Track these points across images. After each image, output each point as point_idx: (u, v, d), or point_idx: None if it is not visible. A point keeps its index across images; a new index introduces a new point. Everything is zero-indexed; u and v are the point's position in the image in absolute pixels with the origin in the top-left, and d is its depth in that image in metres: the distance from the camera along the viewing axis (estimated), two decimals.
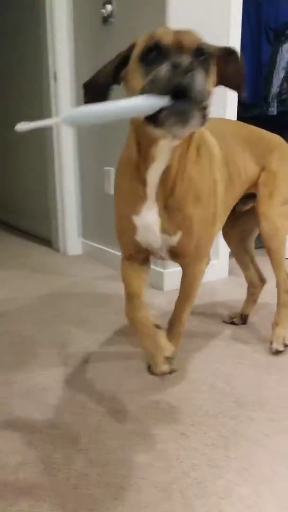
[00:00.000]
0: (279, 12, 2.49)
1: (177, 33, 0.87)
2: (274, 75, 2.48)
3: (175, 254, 1.17)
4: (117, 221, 1.19)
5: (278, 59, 2.48)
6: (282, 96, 2.52)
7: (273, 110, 2.52)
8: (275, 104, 2.52)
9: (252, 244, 1.68)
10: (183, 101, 0.80)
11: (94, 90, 0.96)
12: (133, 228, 1.12)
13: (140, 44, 0.91)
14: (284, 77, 2.50)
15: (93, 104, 0.83)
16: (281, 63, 2.49)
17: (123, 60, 0.94)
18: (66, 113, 0.83)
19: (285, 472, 0.94)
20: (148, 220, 1.09)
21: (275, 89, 2.50)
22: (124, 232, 1.17)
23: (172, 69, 0.78)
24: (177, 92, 0.79)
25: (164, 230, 1.10)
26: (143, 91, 0.83)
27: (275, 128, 2.34)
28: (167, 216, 1.08)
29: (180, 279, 1.27)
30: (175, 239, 1.11)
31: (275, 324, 1.48)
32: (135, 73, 0.89)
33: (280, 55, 2.48)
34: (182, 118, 0.82)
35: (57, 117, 0.84)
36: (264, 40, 2.50)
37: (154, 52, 0.85)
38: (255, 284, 1.67)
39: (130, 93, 0.92)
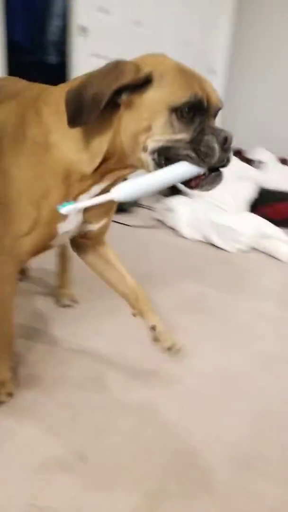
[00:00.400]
0: None
1: (215, 92, 0.88)
2: (50, 23, 2.46)
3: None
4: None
5: (53, 7, 2.45)
6: (60, 45, 2.53)
7: (52, 58, 2.52)
8: (54, 53, 2.52)
9: None
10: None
11: (81, 108, 0.81)
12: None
13: (167, 87, 0.84)
14: (60, 26, 2.50)
15: (141, 177, 0.82)
16: (54, 10, 2.47)
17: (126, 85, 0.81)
18: (118, 189, 0.81)
19: None
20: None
21: (51, 36, 2.49)
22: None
23: (221, 146, 0.81)
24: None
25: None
26: (184, 156, 0.82)
27: (54, 77, 2.35)
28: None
29: None
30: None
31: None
32: (161, 119, 0.82)
33: (55, 2, 2.46)
34: (216, 182, 0.87)
35: (109, 194, 0.81)
36: None
37: (193, 111, 0.83)
38: None
39: (147, 132, 0.83)
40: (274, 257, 2.15)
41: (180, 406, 1.05)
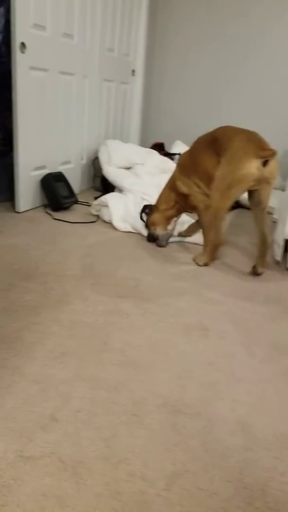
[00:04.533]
0: None
1: None
2: None
3: None
4: None
5: None
6: (2, 59, 2.50)
7: None
8: None
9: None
10: None
11: None
12: None
13: None
14: (1, 40, 2.47)
15: None
16: None
17: None
18: None
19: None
20: None
21: None
22: None
23: None
24: None
25: None
26: None
27: None
28: None
29: None
30: None
31: None
32: None
33: None
34: None
35: None
36: None
37: None
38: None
39: None
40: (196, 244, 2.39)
41: (124, 372, 1.25)
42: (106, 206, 2.61)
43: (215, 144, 1.88)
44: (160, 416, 1.08)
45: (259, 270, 1.96)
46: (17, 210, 2.65)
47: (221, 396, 1.17)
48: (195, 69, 4.08)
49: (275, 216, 2.79)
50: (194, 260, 2.09)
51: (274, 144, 3.93)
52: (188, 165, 2.05)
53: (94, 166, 3.45)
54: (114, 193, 2.73)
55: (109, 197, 2.64)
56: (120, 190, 2.91)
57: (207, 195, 1.97)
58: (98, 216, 2.70)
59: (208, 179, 1.93)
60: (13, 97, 2.39)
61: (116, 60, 3.52)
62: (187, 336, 1.45)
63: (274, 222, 2.85)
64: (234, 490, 0.90)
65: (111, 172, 3.05)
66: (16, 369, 1.21)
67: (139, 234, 2.47)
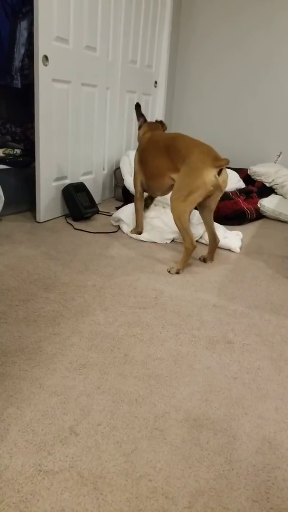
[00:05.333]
0: None
1: None
2: (15, 50, 2.50)
3: None
4: None
5: (17, 36, 2.49)
6: (24, 71, 2.57)
7: (17, 83, 2.57)
8: (19, 78, 2.57)
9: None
10: None
11: None
12: None
13: None
14: (24, 53, 2.54)
15: None
16: (20, 40, 2.52)
17: None
18: None
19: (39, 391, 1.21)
20: None
21: (17, 63, 2.54)
22: None
23: None
24: None
25: None
26: None
27: (21, 100, 2.44)
28: None
29: None
30: None
31: None
32: None
33: (19, 32, 2.50)
34: None
35: None
36: (2, 15, 2.47)
37: None
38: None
39: None
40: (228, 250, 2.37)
41: (145, 385, 1.23)
42: (123, 219, 2.63)
43: (171, 152, 2.07)
44: (183, 431, 1.06)
45: (207, 261, 2.24)
46: (38, 220, 2.70)
47: (247, 412, 1.14)
48: (217, 81, 4.10)
49: None
50: (168, 270, 2.10)
51: None
52: (145, 151, 2.26)
53: (116, 176, 3.48)
54: (130, 205, 2.74)
55: (126, 208, 2.65)
56: None
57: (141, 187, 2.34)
58: (118, 227, 2.71)
59: (153, 173, 2.19)
60: (35, 108, 2.45)
61: (138, 72, 3.57)
62: (211, 349, 1.43)
63: None
64: (261, 510, 0.86)
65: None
66: (36, 381, 1.21)
67: (160, 244, 2.46)
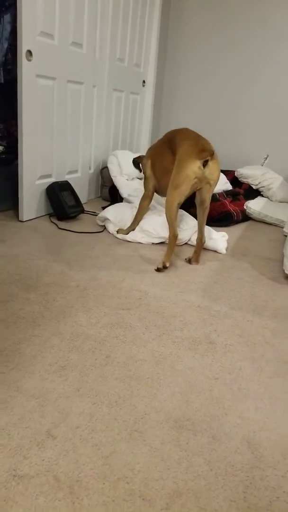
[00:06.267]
0: None
1: None
2: None
3: None
4: None
5: (1, 30, 2.48)
6: (8, 66, 2.55)
7: (0, 78, 2.55)
8: (2, 73, 2.55)
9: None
10: None
11: None
12: None
13: None
14: (7, 47, 2.53)
15: None
16: (4, 34, 2.50)
17: None
18: None
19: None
20: None
21: (0, 58, 2.52)
22: None
23: None
24: None
25: None
26: None
27: (4, 95, 2.42)
28: None
29: None
30: None
31: None
32: None
33: (2, 25, 2.48)
34: None
35: None
36: None
37: None
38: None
39: None
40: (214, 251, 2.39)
41: (126, 387, 1.23)
42: (109, 218, 2.63)
43: (173, 147, 2.14)
44: (163, 433, 1.06)
45: (192, 262, 2.25)
46: (20, 219, 2.68)
47: (227, 412, 1.15)
48: (206, 83, 4.13)
49: (285, 229, 2.78)
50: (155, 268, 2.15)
51: (286, 157, 3.93)
52: (154, 154, 2.33)
53: (102, 175, 3.48)
54: (117, 204, 2.75)
55: (112, 208, 2.66)
56: (127, 200, 2.93)
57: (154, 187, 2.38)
58: (104, 227, 2.71)
59: (162, 171, 2.24)
60: (18, 104, 2.43)
61: (126, 70, 3.57)
62: (193, 350, 1.44)
63: (285, 236, 2.83)
64: (238, 510, 0.87)
65: (123, 183, 3.09)
66: (13, 383, 1.20)
67: (146, 244, 2.47)
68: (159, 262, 2.20)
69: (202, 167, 1.98)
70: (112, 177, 3.19)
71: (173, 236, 2.13)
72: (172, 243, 2.13)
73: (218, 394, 1.22)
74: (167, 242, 2.48)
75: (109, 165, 3.25)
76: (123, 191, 3.05)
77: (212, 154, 1.97)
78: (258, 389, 1.26)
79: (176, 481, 0.93)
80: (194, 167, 1.97)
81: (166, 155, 2.19)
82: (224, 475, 0.95)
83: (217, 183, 2.10)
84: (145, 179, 2.42)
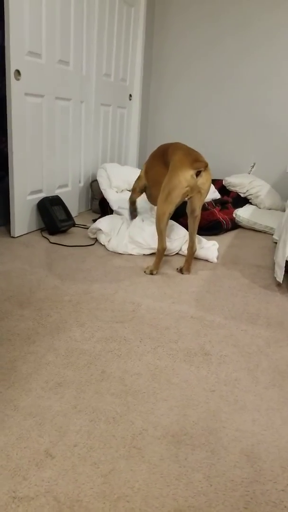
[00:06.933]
0: None
1: None
2: None
3: None
4: None
5: None
6: None
7: None
8: None
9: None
10: None
11: None
12: None
13: None
14: None
15: None
16: None
17: None
18: None
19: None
20: None
21: None
22: None
23: None
24: None
25: None
26: None
27: None
28: None
29: None
30: None
31: None
32: None
33: None
34: None
35: None
36: None
37: None
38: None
39: None
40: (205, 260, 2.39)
41: (123, 402, 1.22)
42: (100, 230, 2.62)
43: (166, 159, 2.17)
44: (161, 448, 1.05)
45: (184, 272, 2.25)
46: (12, 235, 2.66)
47: (224, 425, 1.14)
48: (191, 93, 4.17)
49: (275, 236, 2.79)
50: (144, 270, 2.23)
51: (273, 165, 3.98)
52: (148, 163, 2.40)
53: (92, 189, 3.48)
54: (108, 216, 2.75)
55: (103, 221, 2.65)
56: (118, 213, 2.93)
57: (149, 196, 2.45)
58: (96, 239, 2.70)
59: (154, 181, 2.29)
60: (8, 122, 2.43)
61: (113, 85, 3.60)
62: (188, 362, 1.43)
63: (275, 243, 2.85)
64: None
65: (113, 195, 3.09)
66: (10, 402, 1.18)
67: (138, 256, 2.46)
68: (148, 266, 2.20)
69: (194, 176, 2.00)
70: (102, 190, 3.19)
71: (162, 248, 2.16)
72: (160, 254, 2.17)
73: (215, 407, 1.21)
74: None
75: (98, 178, 3.25)
76: (113, 204, 3.05)
77: (206, 165, 2.01)
78: (255, 400, 1.25)
79: (177, 498, 0.92)
80: (186, 175, 1.99)
81: (158, 165, 2.23)
82: (224, 490, 0.94)
83: (208, 193, 2.13)
84: (137, 178, 2.49)
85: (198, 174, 2.01)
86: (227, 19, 3.83)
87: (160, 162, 2.22)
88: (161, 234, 2.12)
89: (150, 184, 2.38)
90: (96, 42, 3.21)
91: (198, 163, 1.99)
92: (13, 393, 1.22)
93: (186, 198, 2.11)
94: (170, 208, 2.06)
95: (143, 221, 2.62)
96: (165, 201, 2.04)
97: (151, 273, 2.18)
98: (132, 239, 2.48)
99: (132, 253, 2.47)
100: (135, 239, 2.47)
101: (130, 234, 2.51)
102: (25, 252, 2.40)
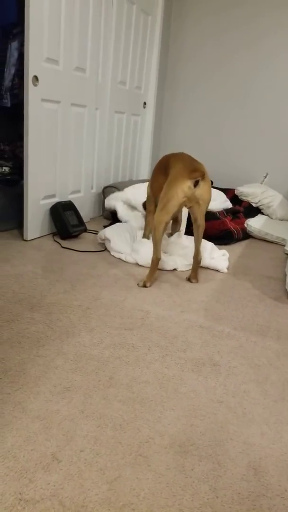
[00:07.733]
0: (7, 11, 2.52)
1: None
2: (5, 70, 2.53)
3: None
4: None
5: (8, 56, 2.53)
6: (14, 90, 2.60)
7: (7, 102, 2.59)
8: (9, 97, 2.59)
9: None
10: None
11: None
12: None
13: None
14: (14, 72, 2.57)
15: None
16: (11, 60, 2.55)
17: None
18: None
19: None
20: None
21: (7, 83, 2.56)
22: None
23: None
24: None
25: None
26: None
27: (11, 118, 2.46)
28: None
29: None
30: None
31: None
32: None
33: (10, 52, 2.54)
34: None
35: None
36: None
37: None
38: None
39: None
40: (215, 270, 2.38)
41: (130, 409, 1.22)
42: (108, 238, 2.63)
43: (166, 167, 2.19)
44: (167, 458, 1.05)
45: (192, 280, 2.26)
46: (25, 238, 2.69)
47: (232, 437, 1.14)
48: (205, 102, 4.19)
49: (287, 248, 2.78)
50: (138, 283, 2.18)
51: (285, 175, 3.97)
52: (152, 178, 2.40)
53: (104, 195, 3.50)
54: (116, 224, 2.75)
55: (111, 229, 2.65)
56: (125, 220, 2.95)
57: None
58: (103, 245, 2.71)
59: (158, 194, 2.28)
60: (24, 127, 2.47)
61: (127, 93, 3.64)
62: (197, 372, 1.43)
63: (287, 254, 2.84)
64: None
65: (122, 209, 3.10)
66: (18, 404, 1.19)
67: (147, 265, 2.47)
68: (141, 279, 2.17)
69: (192, 187, 2.00)
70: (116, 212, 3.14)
71: (156, 258, 2.13)
72: (154, 265, 2.14)
73: (223, 418, 1.21)
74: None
75: (115, 205, 3.16)
76: (123, 218, 3.06)
77: (203, 175, 2.00)
78: (263, 413, 1.25)
79: (182, 508, 0.92)
80: (184, 186, 2.00)
81: (161, 179, 2.23)
82: (231, 503, 0.94)
83: (207, 203, 2.11)
84: (147, 199, 2.47)
85: (196, 184, 2.01)
86: (243, 31, 3.86)
87: (162, 175, 2.23)
88: (157, 244, 2.10)
89: (157, 198, 2.36)
90: (112, 50, 3.26)
91: (194, 173, 1.99)
92: (21, 395, 1.23)
93: (187, 208, 2.12)
94: (167, 218, 2.06)
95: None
96: (161, 210, 2.04)
97: (144, 286, 2.12)
98: (137, 251, 2.47)
99: (139, 263, 2.45)
100: (142, 250, 2.46)
101: (138, 244, 2.51)
102: (37, 256, 2.42)
